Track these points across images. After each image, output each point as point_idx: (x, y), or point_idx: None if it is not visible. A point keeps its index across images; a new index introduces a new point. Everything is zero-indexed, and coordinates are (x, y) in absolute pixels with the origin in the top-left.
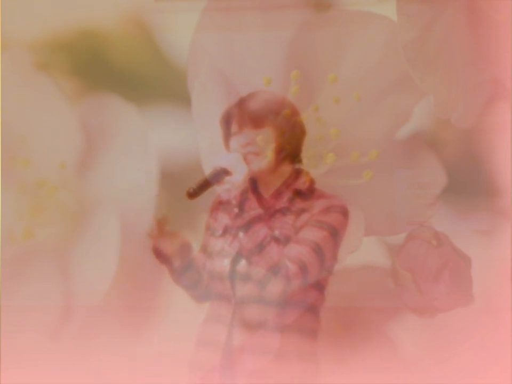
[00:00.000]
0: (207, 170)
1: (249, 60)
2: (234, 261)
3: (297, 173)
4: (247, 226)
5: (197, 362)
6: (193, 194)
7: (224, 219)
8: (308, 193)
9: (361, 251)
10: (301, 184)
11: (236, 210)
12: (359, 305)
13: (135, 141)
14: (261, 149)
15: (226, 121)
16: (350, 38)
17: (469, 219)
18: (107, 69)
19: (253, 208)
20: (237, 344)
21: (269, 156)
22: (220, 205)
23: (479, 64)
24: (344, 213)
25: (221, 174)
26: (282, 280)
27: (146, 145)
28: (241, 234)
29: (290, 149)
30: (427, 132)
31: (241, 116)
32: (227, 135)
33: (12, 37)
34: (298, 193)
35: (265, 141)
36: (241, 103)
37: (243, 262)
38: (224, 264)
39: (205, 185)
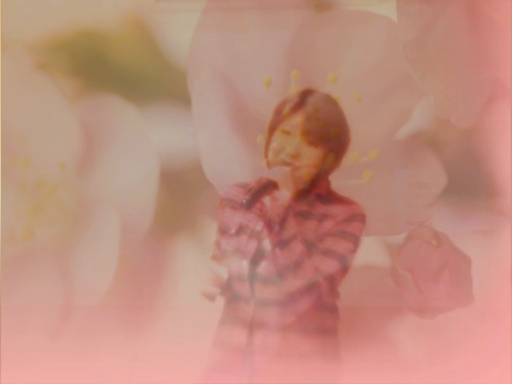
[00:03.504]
0: (207, 171)
1: (249, 60)
2: (253, 263)
3: (318, 176)
4: (283, 243)
5: (216, 364)
6: (247, 205)
7: (236, 217)
8: (327, 196)
9: (361, 251)
10: (321, 187)
11: (277, 227)
12: (359, 305)
13: (135, 141)
14: (303, 165)
15: (280, 111)
16: (350, 38)
17: (469, 219)
18: (107, 69)
19: (292, 226)
20: (259, 346)
21: (307, 171)
22: (227, 201)
23: (479, 64)
24: (364, 220)
25: (270, 187)
26: (314, 296)
27: (146, 145)
28: (277, 250)
29: (328, 168)
30: (427, 132)
31: (303, 123)
32: (274, 125)
33: (12, 37)
34: (319, 197)
35: (311, 158)
36: (306, 106)
37: (263, 264)
38: (242, 265)
39: (257, 195)
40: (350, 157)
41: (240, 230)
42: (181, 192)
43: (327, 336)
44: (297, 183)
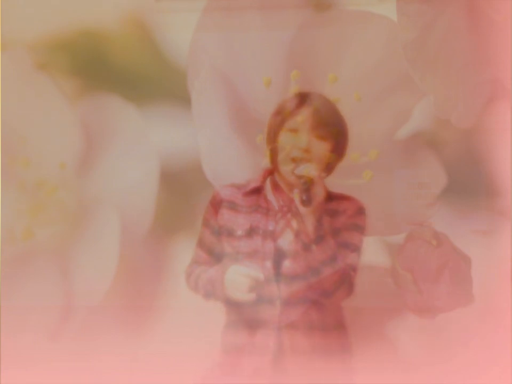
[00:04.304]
0: (207, 171)
1: (249, 60)
2: (277, 263)
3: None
4: (320, 239)
5: (237, 368)
6: (308, 201)
7: (239, 218)
8: (330, 194)
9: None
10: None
11: (316, 223)
12: (359, 305)
13: (135, 141)
14: (314, 159)
15: (284, 112)
16: (350, 38)
17: (469, 219)
18: (107, 69)
19: (326, 221)
20: (287, 346)
21: (316, 166)
22: (225, 203)
23: (479, 64)
24: (365, 213)
25: (311, 183)
26: (348, 287)
27: (146, 145)
28: (313, 246)
29: (334, 161)
30: (427, 132)
31: (310, 118)
32: (279, 126)
33: (12, 37)
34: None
35: (321, 151)
36: (309, 103)
37: (287, 263)
38: (266, 266)
39: (310, 190)
40: (350, 157)
41: (251, 231)
42: (181, 192)
43: (344, 332)
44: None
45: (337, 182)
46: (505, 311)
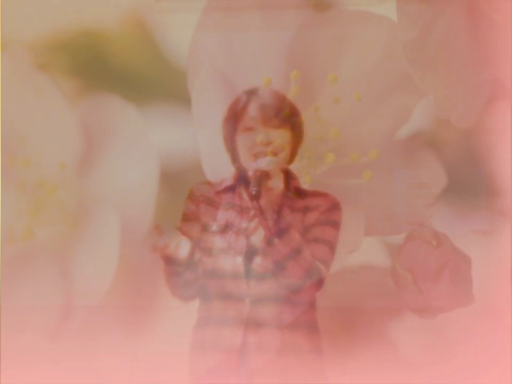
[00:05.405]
0: (207, 171)
1: (249, 60)
2: (248, 259)
3: (289, 172)
4: (281, 232)
5: (209, 367)
6: (257, 195)
7: (217, 214)
8: (302, 191)
9: (361, 251)
10: (301, 183)
11: (275, 217)
12: (359, 305)
13: (135, 141)
14: (278, 149)
15: (234, 115)
16: (350, 38)
17: (469, 219)
18: (107, 69)
19: (288, 214)
20: (254, 344)
21: (283, 156)
22: (203, 197)
23: (479, 64)
24: (341, 208)
25: (265, 177)
26: (318, 283)
27: (146, 145)
28: (275, 240)
29: (297, 150)
30: (427, 132)
31: (260, 112)
32: (233, 130)
33: (12, 37)
34: (296, 191)
35: (281, 139)
36: (255, 98)
37: (257, 260)
38: (237, 262)
39: (260, 185)
40: (350, 157)
41: (226, 227)
42: (181, 192)
43: (315, 331)
44: (270, 166)
45: (337, 182)
46: (505, 311)
